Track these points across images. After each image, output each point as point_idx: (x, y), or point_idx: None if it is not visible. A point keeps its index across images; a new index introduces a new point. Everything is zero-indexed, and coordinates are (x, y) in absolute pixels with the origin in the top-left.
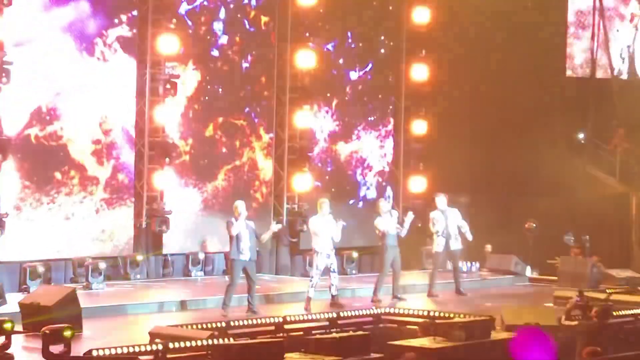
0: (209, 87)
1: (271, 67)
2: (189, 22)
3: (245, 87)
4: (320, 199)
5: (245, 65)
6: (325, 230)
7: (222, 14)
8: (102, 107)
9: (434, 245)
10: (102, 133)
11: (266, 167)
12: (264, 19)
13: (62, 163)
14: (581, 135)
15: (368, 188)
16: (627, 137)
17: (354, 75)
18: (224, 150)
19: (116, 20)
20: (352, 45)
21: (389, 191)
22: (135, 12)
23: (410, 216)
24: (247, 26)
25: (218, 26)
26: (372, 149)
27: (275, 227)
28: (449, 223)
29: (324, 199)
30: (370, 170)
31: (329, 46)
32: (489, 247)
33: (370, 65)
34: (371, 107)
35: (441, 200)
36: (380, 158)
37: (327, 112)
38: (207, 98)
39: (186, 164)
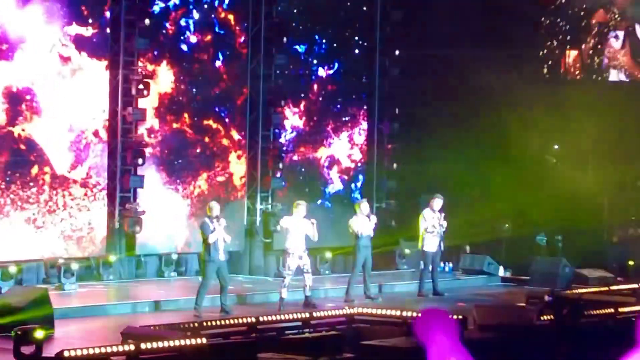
0: (182, 86)
1: (244, 67)
2: (162, 22)
3: (219, 87)
4: (297, 201)
5: (217, 64)
6: (297, 231)
7: (194, 14)
8: (75, 107)
9: (423, 244)
10: (75, 133)
11: (239, 168)
12: (234, 19)
13: (34, 163)
14: (556, 147)
15: (338, 188)
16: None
17: (327, 75)
18: (197, 150)
19: (90, 21)
20: (325, 46)
21: (357, 190)
22: (108, 13)
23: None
24: (219, 26)
25: (190, 26)
26: (346, 149)
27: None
28: (439, 224)
29: (301, 201)
30: (342, 171)
31: (303, 46)
32: (467, 248)
33: (343, 66)
34: (345, 107)
35: (438, 201)
36: (351, 157)
37: (300, 112)
38: (180, 98)
39: (159, 165)
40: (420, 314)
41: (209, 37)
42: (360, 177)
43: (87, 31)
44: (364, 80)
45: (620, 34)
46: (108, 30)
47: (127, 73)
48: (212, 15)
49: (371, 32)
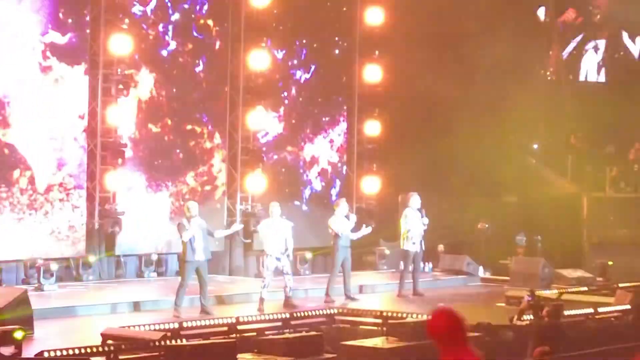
0: (162, 90)
1: (224, 68)
2: (142, 25)
3: (200, 88)
4: (271, 203)
5: (198, 69)
6: (275, 233)
7: (174, 16)
8: (54, 107)
9: (404, 244)
10: (54, 134)
11: (221, 168)
12: (213, 22)
13: (13, 164)
14: (535, 146)
15: (317, 189)
16: (581, 139)
17: (307, 75)
18: (178, 151)
19: (70, 20)
20: (306, 46)
21: (337, 190)
22: (87, 13)
23: (364, 229)
24: (198, 31)
25: (170, 30)
26: (325, 149)
27: (237, 226)
28: (420, 223)
29: (274, 202)
30: (322, 171)
31: (283, 46)
32: (441, 247)
33: (323, 66)
34: (324, 107)
35: (415, 199)
36: (331, 158)
37: (280, 112)
38: (161, 98)
39: (139, 165)
40: (431, 315)
41: (188, 41)
42: (340, 176)
43: (65, 37)
44: (343, 80)
45: (601, 43)
46: (88, 31)
47: (106, 73)
48: (192, 15)
49: (351, 32)
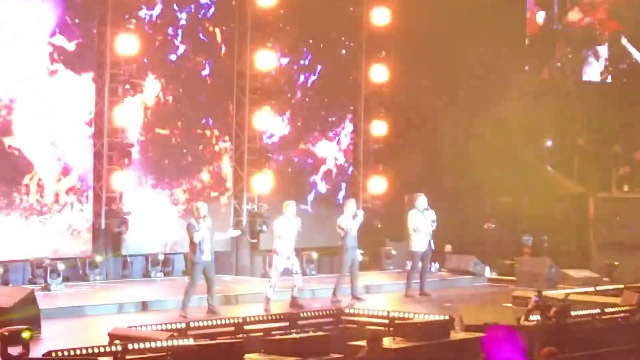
0: (170, 93)
1: (231, 69)
2: (148, 28)
3: (207, 90)
4: (287, 201)
5: (204, 72)
6: (289, 232)
7: (181, 20)
8: (61, 107)
9: (411, 244)
10: (60, 134)
11: (228, 169)
12: (220, 24)
13: (21, 165)
14: (549, 143)
15: (322, 190)
16: (587, 140)
17: (313, 76)
18: (184, 151)
19: (77, 20)
20: (312, 46)
21: (343, 191)
22: (95, 13)
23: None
24: (203, 33)
25: (176, 33)
26: (332, 149)
27: (234, 232)
28: (428, 223)
29: (290, 201)
30: (328, 171)
31: (289, 46)
32: (448, 247)
33: (329, 66)
34: (331, 108)
35: (421, 200)
36: (337, 158)
37: (286, 112)
38: (168, 100)
39: (146, 165)
40: (486, 331)
41: (195, 44)
42: (346, 177)
43: (72, 41)
44: (350, 80)
45: (602, 49)
46: (95, 31)
47: (113, 73)
48: (198, 17)
49: (357, 33)
